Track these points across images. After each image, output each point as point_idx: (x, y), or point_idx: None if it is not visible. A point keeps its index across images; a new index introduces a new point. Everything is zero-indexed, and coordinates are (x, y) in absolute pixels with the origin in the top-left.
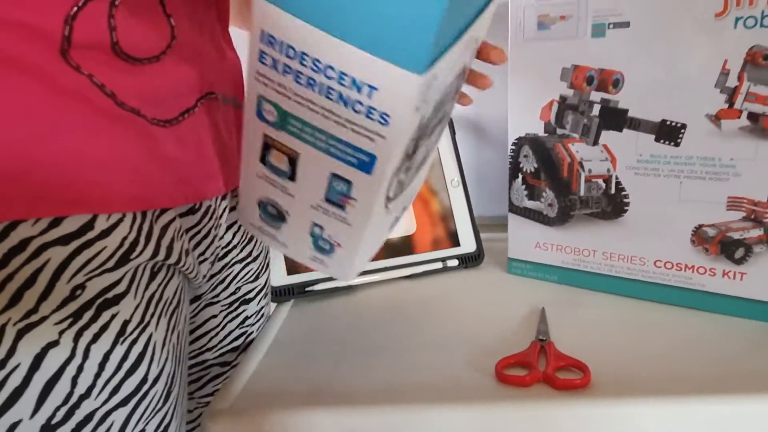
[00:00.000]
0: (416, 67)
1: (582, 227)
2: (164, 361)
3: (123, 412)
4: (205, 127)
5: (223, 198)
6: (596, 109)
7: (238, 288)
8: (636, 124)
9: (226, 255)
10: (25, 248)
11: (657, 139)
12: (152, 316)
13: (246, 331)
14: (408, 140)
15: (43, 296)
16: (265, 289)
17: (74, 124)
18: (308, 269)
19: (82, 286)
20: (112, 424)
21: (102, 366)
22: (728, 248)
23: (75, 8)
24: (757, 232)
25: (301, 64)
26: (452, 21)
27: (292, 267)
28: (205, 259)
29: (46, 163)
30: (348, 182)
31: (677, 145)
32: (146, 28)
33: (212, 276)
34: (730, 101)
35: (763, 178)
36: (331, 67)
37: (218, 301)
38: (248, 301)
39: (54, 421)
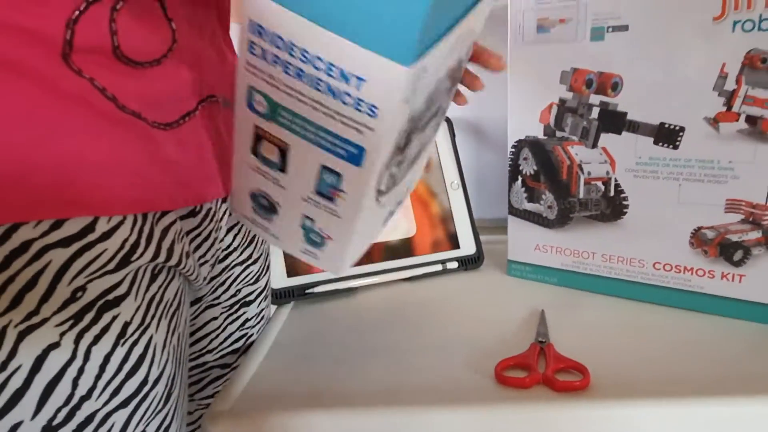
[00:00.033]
0: (404, 58)
1: (581, 229)
2: (165, 362)
3: (123, 413)
4: (206, 130)
5: (224, 201)
6: (595, 112)
7: (239, 290)
8: (635, 127)
9: (226, 257)
10: (27, 250)
11: (656, 142)
12: (153, 318)
13: (246, 333)
14: (397, 133)
15: (44, 298)
16: (265, 292)
17: (75, 127)
18: (308, 271)
19: (83, 288)
20: (112, 426)
21: (103, 367)
22: (727, 250)
23: (77, 12)
24: (755, 235)
25: (290, 54)
26: (442, 12)
27: (292, 269)
28: (206, 262)
29: (47, 166)
30: (338, 174)
31: (676, 147)
32: (147, 31)
33: (213, 278)
34: (729, 104)
35: (761, 181)
36: (320, 58)
37: (219, 304)
38: (248, 304)
39: (55, 423)
